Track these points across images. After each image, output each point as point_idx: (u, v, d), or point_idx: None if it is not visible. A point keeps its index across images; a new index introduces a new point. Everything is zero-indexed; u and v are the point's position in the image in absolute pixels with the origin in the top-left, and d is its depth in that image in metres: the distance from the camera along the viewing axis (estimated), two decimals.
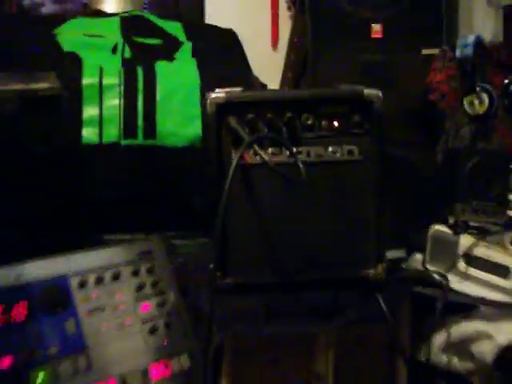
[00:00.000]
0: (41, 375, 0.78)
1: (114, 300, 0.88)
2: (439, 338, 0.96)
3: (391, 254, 1.09)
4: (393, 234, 1.19)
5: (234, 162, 0.79)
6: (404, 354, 0.99)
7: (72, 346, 0.82)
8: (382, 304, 0.89)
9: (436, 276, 1.01)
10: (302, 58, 1.87)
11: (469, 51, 1.49)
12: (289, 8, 1.99)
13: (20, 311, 0.80)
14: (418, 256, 1.14)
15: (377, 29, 1.67)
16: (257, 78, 1.62)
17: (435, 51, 1.56)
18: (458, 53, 1.50)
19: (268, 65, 1.89)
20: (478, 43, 1.48)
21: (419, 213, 1.23)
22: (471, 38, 1.50)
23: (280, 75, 1.92)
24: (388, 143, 1.47)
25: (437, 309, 0.90)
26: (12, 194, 1.05)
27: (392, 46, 1.65)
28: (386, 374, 1.02)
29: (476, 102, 1.41)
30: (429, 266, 1.08)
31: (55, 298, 0.84)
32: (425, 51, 1.64)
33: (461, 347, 0.94)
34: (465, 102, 1.44)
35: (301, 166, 0.82)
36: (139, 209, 1.23)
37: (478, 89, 1.41)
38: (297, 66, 1.90)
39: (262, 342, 0.88)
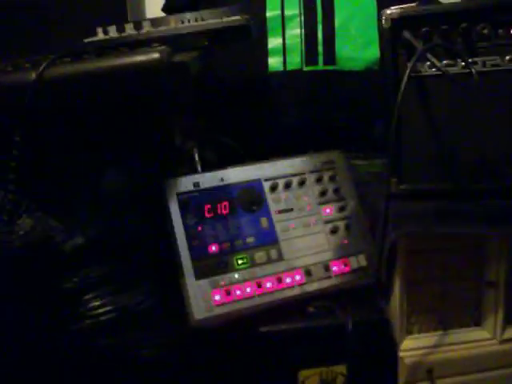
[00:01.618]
0: (241, 260, 0.94)
1: (300, 202, 1.01)
2: None
3: None
4: None
5: (407, 72, 0.85)
6: None
7: (265, 238, 0.97)
8: None
9: None
10: None
11: None
12: None
13: (223, 208, 0.96)
14: None
15: None
16: None
17: None
18: None
19: None
20: None
21: None
22: None
23: None
24: None
25: None
26: (207, 118, 1.21)
27: None
28: None
29: None
30: None
31: (251, 198, 0.98)
32: None
33: None
34: None
35: (475, 73, 0.84)
36: (320, 132, 1.33)
37: None
38: None
39: (433, 242, 0.93)
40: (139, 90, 0.78)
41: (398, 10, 0.89)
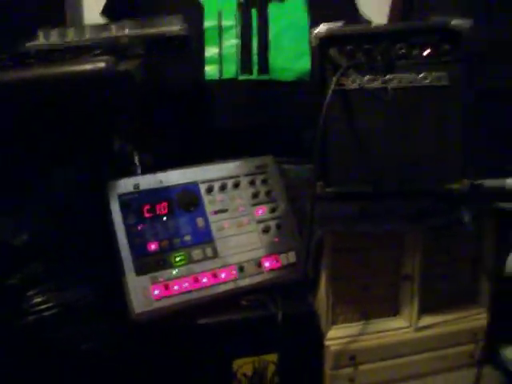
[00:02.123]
0: (179, 257, 1.00)
1: (235, 204, 1.08)
2: None
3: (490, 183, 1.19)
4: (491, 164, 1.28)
5: (332, 86, 0.94)
6: (486, 268, 1.09)
7: (202, 237, 1.03)
8: (466, 216, 1.00)
9: None
10: None
11: None
12: None
13: (162, 208, 1.02)
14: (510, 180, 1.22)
15: None
16: (362, 16, 1.70)
17: None
18: None
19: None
20: None
21: None
22: None
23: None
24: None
25: None
26: (147, 123, 1.25)
27: None
28: (470, 284, 1.14)
29: None
30: None
31: (188, 199, 1.04)
32: None
33: None
34: None
35: (390, 89, 0.95)
36: (254, 137, 1.40)
37: None
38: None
39: (355, 240, 1.03)
40: (85, 97, 0.82)
41: (326, 30, 0.98)
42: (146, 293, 0.95)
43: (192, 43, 1.23)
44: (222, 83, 1.39)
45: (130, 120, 1.08)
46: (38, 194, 0.96)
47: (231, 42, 1.39)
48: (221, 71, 1.39)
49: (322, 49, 0.98)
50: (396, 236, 1.04)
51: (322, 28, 0.98)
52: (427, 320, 1.08)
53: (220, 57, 1.39)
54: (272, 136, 1.41)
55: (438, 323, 1.08)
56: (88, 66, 0.81)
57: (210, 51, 1.38)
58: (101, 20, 1.60)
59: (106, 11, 1.60)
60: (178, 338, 0.96)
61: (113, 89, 0.82)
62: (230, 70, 1.39)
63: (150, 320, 0.94)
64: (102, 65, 0.81)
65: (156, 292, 0.95)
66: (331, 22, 1.03)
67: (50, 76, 0.80)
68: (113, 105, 0.90)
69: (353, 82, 0.98)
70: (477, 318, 1.10)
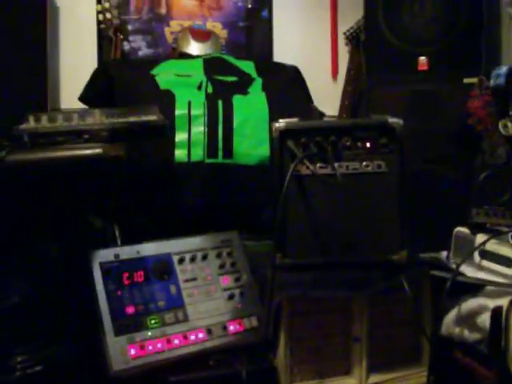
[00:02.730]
0: (153, 320, 1.11)
1: (203, 273, 1.21)
2: (452, 314, 1.21)
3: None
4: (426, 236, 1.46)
5: (290, 172, 1.11)
6: (424, 329, 1.23)
7: (174, 302, 1.15)
8: (405, 283, 1.16)
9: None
10: (359, 88, 2.17)
11: (501, 80, 1.72)
12: (346, 44, 2.30)
13: (139, 276, 1.14)
14: (444, 252, 1.39)
15: (423, 61, 1.89)
16: (316, 107, 1.92)
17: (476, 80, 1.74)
18: (492, 82, 1.73)
19: (329, 94, 2.21)
20: (510, 73, 1.70)
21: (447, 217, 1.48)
22: (504, 69, 1.73)
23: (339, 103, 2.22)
24: (430, 160, 1.76)
25: (446, 287, 1.14)
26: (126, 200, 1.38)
27: (436, 77, 1.87)
28: (412, 344, 1.27)
29: (510, 124, 1.64)
30: (452, 259, 1.33)
31: (162, 268, 1.17)
32: (466, 80, 1.83)
33: (469, 320, 1.18)
34: (499, 125, 1.66)
35: (338, 175, 1.13)
36: (219, 215, 1.55)
37: (511, 113, 1.63)
38: (353, 96, 2.19)
39: (310, 305, 1.16)
40: (80, 177, 0.96)
41: (284, 124, 1.16)
42: (124, 352, 1.05)
43: (168, 133, 1.38)
44: (190, 165, 1.54)
45: (111, 198, 1.21)
46: (27, 262, 1.07)
47: (199, 129, 1.55)
48: (189, 155, 1.54)
49: (281, 140, 1.16)
50: (344, 301, 1.18)
51: (282, 123, 1.17)
52: (376, 378, 1.20)
53: (189, 142, 1.55)
54: (236, 214, 1.56)
55: (386, 381, 1.21)
56: (87, 151, 0.95)
57: (180, 136, 1.54)
58: (78, 105, 1.76)
59: (83, 97, 1.76)
60: None
61: (104, 170, 0.95)
62: (198, 153, 1.54)
63: (127, 377, 1.03)
64: (99, 150, 0.95)
65: (132, 351, 1.05)
66: (288, 112, 1.22)
67: (56, 159, 0.93)
68: (100, 184, 1.03)
69: (307, 168, 1.16)
70: (419, 376, 1.23)
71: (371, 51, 2.00)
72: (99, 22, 2.04)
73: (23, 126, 1.19)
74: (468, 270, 1.24)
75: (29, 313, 1.02)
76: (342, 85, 2.23)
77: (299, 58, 2.05)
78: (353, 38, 2.25)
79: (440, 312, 1.21)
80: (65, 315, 1.06)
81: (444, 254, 1.39)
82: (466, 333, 1.19)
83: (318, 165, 1.17)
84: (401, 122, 1.16)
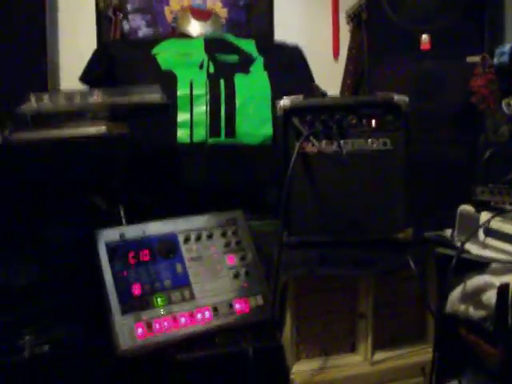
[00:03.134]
0: (159, 299, 1.11)
1: (209, 252, 1.21)
2: (457, 291, 1.21)
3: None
4: (431, 215, 1.46)
5: (296, 150, 1.10)
6: (430, 307, 1.24)
7: (180, 281, 1.15)
8: (411, 261, 1.16)
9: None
10: (360, 68, 2.15)
11: (505, 58, 1.71)
12: (348, 23, 2.27)
13: (144, 255, 1.14)
14: (448, 230, 1.40)
15: (425, 40, 1.86)
16: (318, 86, 1.90)
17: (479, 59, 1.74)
18: (495, 60, 1.72)
19: (331, 73, 2.19)
20: None
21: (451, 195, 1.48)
22: (507, 47, 1.72)
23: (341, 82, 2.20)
24: (433, 138, 1.75)
25: (451, 265, 1.15)
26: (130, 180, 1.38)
27: (439, 56, 1.84)
28: (417, 321, 1.28)
29: None
30: (456, 237, 1.34)
31: (168, 247, 1.17)
32: (469, 59, 1.80)
33: (474, 297, 1.18)
34: (503, 104, 1.66)
35: (344, 152, 1.12)
36: (222, 195, 1.54)
37: None
38: (355, 75, 2.18)
39: (316, 283, 1.17)
40: (85, 157, 0.95)
41: (289, 102, 1.15)
42: (131, 331, 1.05)
43: (170, 110, 1.37)
44: (192, 146, 1.53)
45: (115, 178, 1.21)
46: (32, 242, 1.06)
47: (201, 109, 1.54)
48: (191, 135, 1.54)
49: (286, 118, 1.16)
50: (350, 279, 1.18)
51: (286, 101, 1.16)
52: (380, 355, 1.21)
53: (191, 122, 1.54)
54: (237, 193, 1.55)
55: (390, 358, 1.21)
56: (91, 130, 0.94)
57: (182, 117, 1.53)
58: (78, 85, 1.75)
59: (84, 78, 1.75)
60: (158, 372, 1.05)
61: (108, 150, 0.95)
62: (200, 134, 1.54)
63: (134, 356, 1.04)
64: (103, 128, 0.94)
65: (139, 330, 1.06)
66: (290, 91, 1.21)
67: (60, 137, 0.92)
68: (104, 165, 1.03)
69: (312, 146, 1.15)
70: (424, 353, 1.23)
71: (373, 30, 1.98)
72: (98, 1, 2.02)
73: (25, 106, 1.18)
74: (473, 248, 1.24)
75: (36, 294, 1.02)
76: (343, 64, 2.20)
77: (300, 37, 2.02)
78: (354, 17, 2.22)
79: (445, 289, 1.21)
80: (72, 295, 1.05)
81: (449, 232, 1.40)
82: (471, 310, 1.19)
83: (324, 142, 1.16)
84: (406, 99, 1.15)
